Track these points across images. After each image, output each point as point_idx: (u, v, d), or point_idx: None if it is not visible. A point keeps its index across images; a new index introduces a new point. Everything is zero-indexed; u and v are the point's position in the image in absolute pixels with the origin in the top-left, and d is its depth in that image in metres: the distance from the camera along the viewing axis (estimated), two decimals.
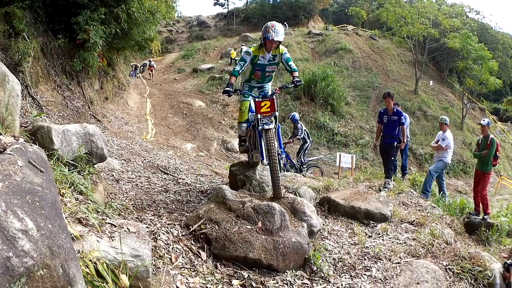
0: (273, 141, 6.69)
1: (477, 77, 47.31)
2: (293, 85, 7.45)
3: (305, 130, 17.06)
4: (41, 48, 13.41)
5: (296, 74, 7.51)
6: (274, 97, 7.42)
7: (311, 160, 17.66)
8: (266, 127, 6.94)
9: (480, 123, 11.85)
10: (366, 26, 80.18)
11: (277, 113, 7.36)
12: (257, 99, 7.34)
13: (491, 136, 11.44)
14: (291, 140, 17.61)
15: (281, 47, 7.62)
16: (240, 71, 7.68)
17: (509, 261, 6.90)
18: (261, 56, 7.66)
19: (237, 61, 7.78)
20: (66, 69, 14.94)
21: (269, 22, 7.44)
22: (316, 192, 9.62)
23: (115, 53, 21.62)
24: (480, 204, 11.43)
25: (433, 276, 6.04)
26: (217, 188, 6.66)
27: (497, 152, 11.33)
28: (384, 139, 12.36)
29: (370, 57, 55.27)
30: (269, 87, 8.18)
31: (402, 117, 12.05)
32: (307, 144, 17.12)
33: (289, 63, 7.62)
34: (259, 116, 7.20)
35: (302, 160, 16.92)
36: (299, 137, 16.97)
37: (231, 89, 7.38)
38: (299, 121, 17.22)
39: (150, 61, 43.14)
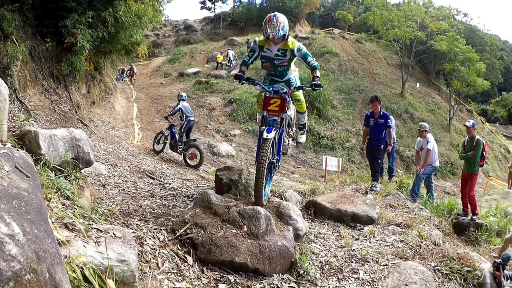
0: (266, 150, 6.25)
1: (465, 79, 47.60)
2: (310, 87, 6.92)
3: (181, 108, 17.41)
4: (29, 51, 13.33)
5: (317, 73, 7.06)
6: (287, 97, 6.90)
7: (191, 140, 17.65)
8: (264, 136, 6.39)
9: (465, 124, 11.94)
10: (352, 29, 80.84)
11: (285, 115, 6.96)
12: (267, 94, 6.89)
13: (477, 137, 11.59)
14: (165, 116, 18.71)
15: (291, 41, 7.11)
16: (249, 61, 7.46)
17: (499, 260, 6.95)
18: (267, 48, 7.26)
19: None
20: (53, 73, 14.88)
21: (269, 14, 6.90)
22: (302, 195, 9.68)
23: (102, 57, 21.54)
24: (468, 205, 11.52)
25: (422, 277, 6.02)
26: (202, 192, 6.66)
27: (484, 153, 11.44)
28: (371, 142, 12.46)
29: (357, 60, 55.54)
30: (294, 79, 7.73)
31: (389, 120, 12.17)
32: (184, 122, 17.47)
33: (307, 59, 7.13)
34: (264, 113, 6.80)
35: (178, 138, 17.41)
36: (170, 113, 17.90)
37: (243, 76, 7.10)
38: (182, 100, 18.08)
39: (131, 66, 42.76)
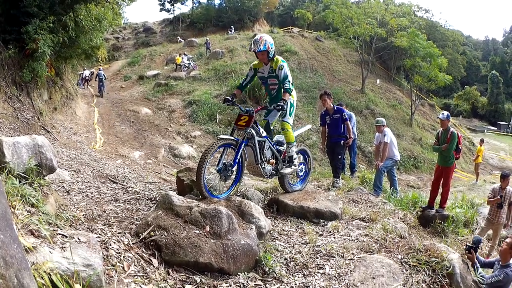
0: (212, 147, 7.01)
1: (426, 74, 47.98)
2: (272, 107, 8.00)
3: (98, 74, 36.59)
4: None
5: (285, 96, 7.77)
6: (253, 114, 7.62)
7: (100, 85, 36.70)
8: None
9: (438, 117, 11.80)
10: (312, 28, 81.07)
11: (249, 130, 7.56)
12: (240, 112, 7.70)
13: (452, 129, 11.37)
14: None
15: (276, 60, 8.00)
16: (244, 83, 8.48)
17: (469, 244, 7.09)
18: (261, 69, 8.25)
19: None
20: (16, 80, 14.80)
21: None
22: (264, 194, 9.69)
23: (63, 62, 21.36)
24: (437, 198, 11.55)
25: (389, 270, 6.08)
26: (164, 194, 6.60)
27: (459, 145, 11.32)
28: (331, 139, 12.46)
29: (316, 58, 55.54)
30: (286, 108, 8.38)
31: (344, 113, 12.24)
32: (98, 79, 37.19)
33: (283, 82, 7.88)
34: (234, 126, 7.63)
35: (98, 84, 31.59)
36: (95, 79, 40.46)
37: (227, 98, 8.04)
38: (99, 70, 37.45)
39: (84, 69, 42.39)
